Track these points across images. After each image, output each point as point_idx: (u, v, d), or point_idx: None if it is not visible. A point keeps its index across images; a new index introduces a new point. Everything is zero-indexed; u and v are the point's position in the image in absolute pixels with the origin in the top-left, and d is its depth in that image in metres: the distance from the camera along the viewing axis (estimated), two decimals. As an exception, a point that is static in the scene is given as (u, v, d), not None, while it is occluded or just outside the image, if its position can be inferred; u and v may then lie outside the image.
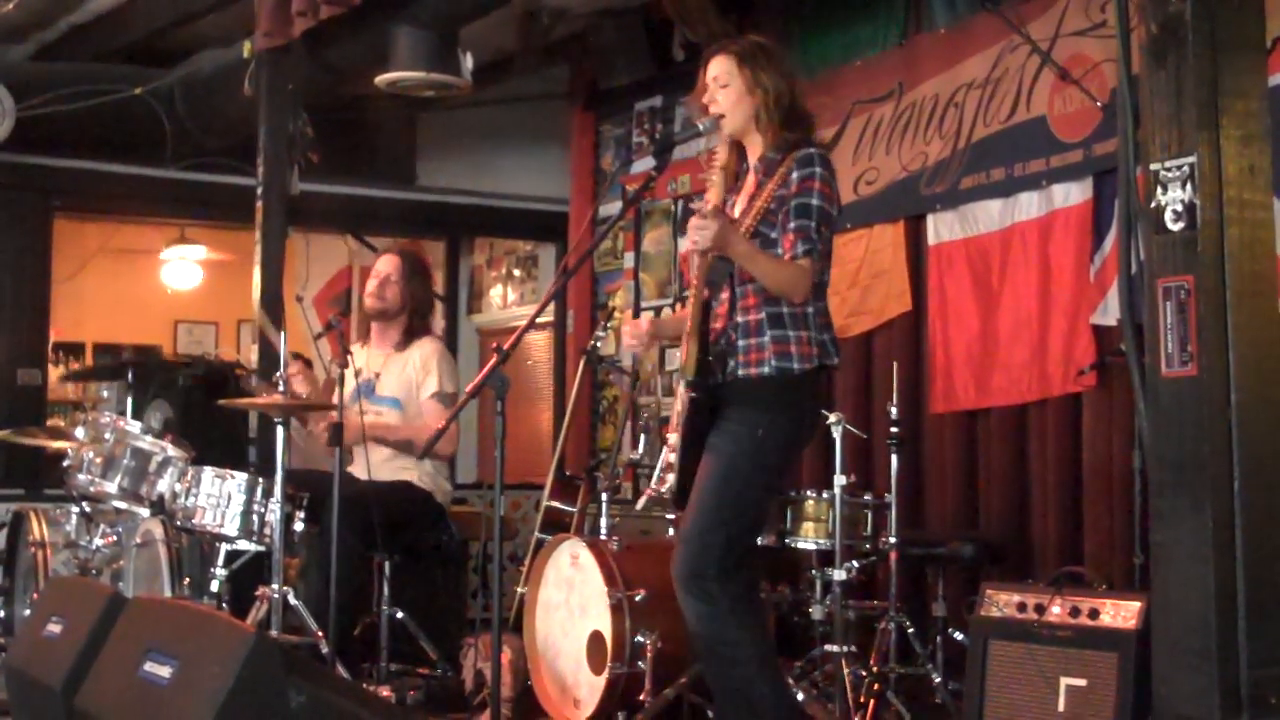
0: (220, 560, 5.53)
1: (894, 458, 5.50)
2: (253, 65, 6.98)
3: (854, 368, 6.66)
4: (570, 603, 5.38)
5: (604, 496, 5.61)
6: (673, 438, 4.31)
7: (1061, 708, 4.39)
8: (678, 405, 4.31)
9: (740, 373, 4.24)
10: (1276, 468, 3.54)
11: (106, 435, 5.84)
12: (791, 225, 4.15)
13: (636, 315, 8.14)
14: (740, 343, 4.25)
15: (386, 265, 6.20)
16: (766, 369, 4.20)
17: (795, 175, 4.17)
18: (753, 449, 4.18)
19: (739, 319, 4.26)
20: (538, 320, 4.57)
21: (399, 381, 6.12)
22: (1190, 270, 3.50)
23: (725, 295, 4.30)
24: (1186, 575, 3.48)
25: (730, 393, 4.24)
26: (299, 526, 5.50)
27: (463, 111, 8.93)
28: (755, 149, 4.35)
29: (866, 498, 5.49)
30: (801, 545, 5.46)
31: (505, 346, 4.17)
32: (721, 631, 4.14)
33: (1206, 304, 3.47)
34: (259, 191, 6.84)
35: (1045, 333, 5.87)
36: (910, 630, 5.44)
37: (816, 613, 5.41)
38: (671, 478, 4.30)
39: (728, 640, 4.14)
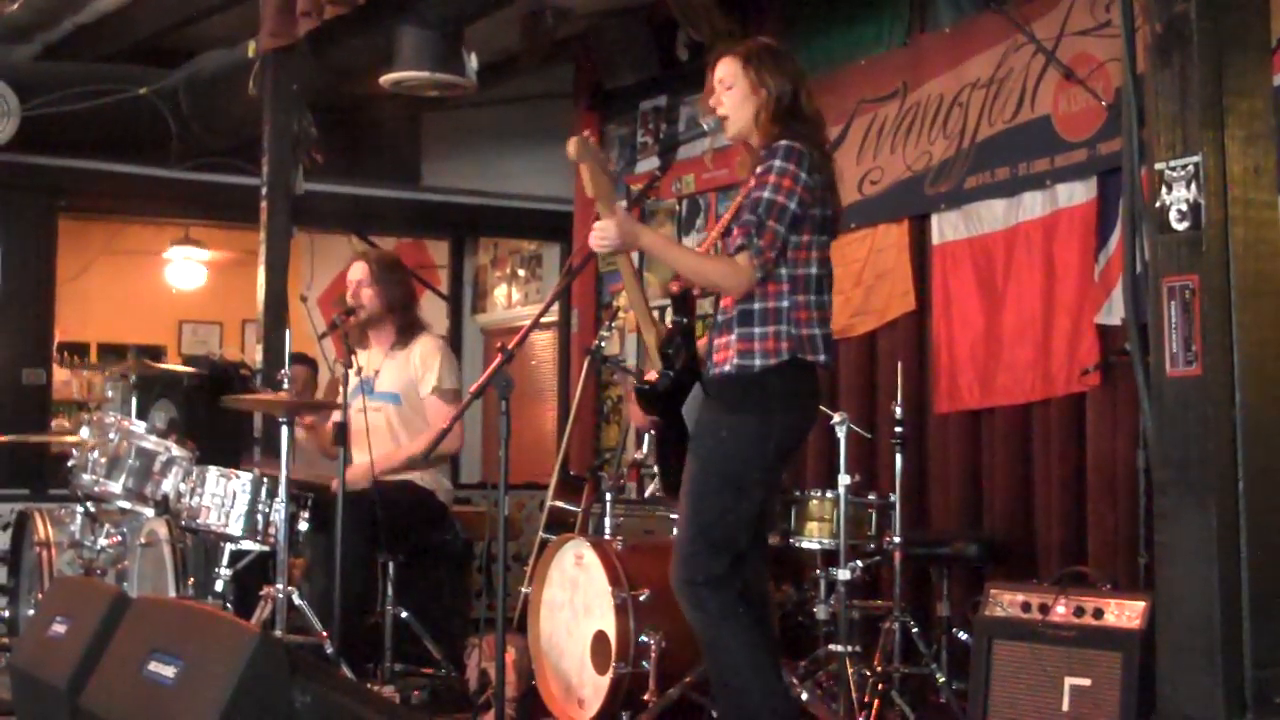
0: (225, 560, 5.53)
1: (898, 457, 5.50)
2: (257, 65, 6.98)
3: (858, 367, 6.66)
4: (574, 603, 5.38)
5: (608, 496, 5.61)
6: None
7: (1066, 707, 4.39)
8: None
9: (711, 372, 4.22)
10: (1281, 467, 3.54)
11: (111, 435, 5.84)
12: (741, 219, 4.10)
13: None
14: (715, 341, 4.23)
15: (355, 272, 6.24)
16: (728, 367, 4.16)
17: (758, 168, 4.13)
18: (719, 452, 4.15)
19: (718, 318, 4.24)
20: (542, 320, 4.57)
21: (398, 378, 6.14)
22: (1195, 270, 3.49)
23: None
24: (1190, 575, 3.47)
25: (705, 394, 4.24)
26: (303, 526, 5.51)
27: (467, 111, 8.93)
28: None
29: (871, 497, 5.50)
30: (806, 545, 5.46)
31: (510, 346, 4.17)
32: (715, 637, 4.15)
33: (1211, 303, 3.47)
34: (263, 191, 6.85)
35: (1049, 332, 5.86)
36: (914, 630, 5.44)
37: (821, 612, 5.42)
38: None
39: (720, 646, 4.14)
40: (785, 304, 4.14)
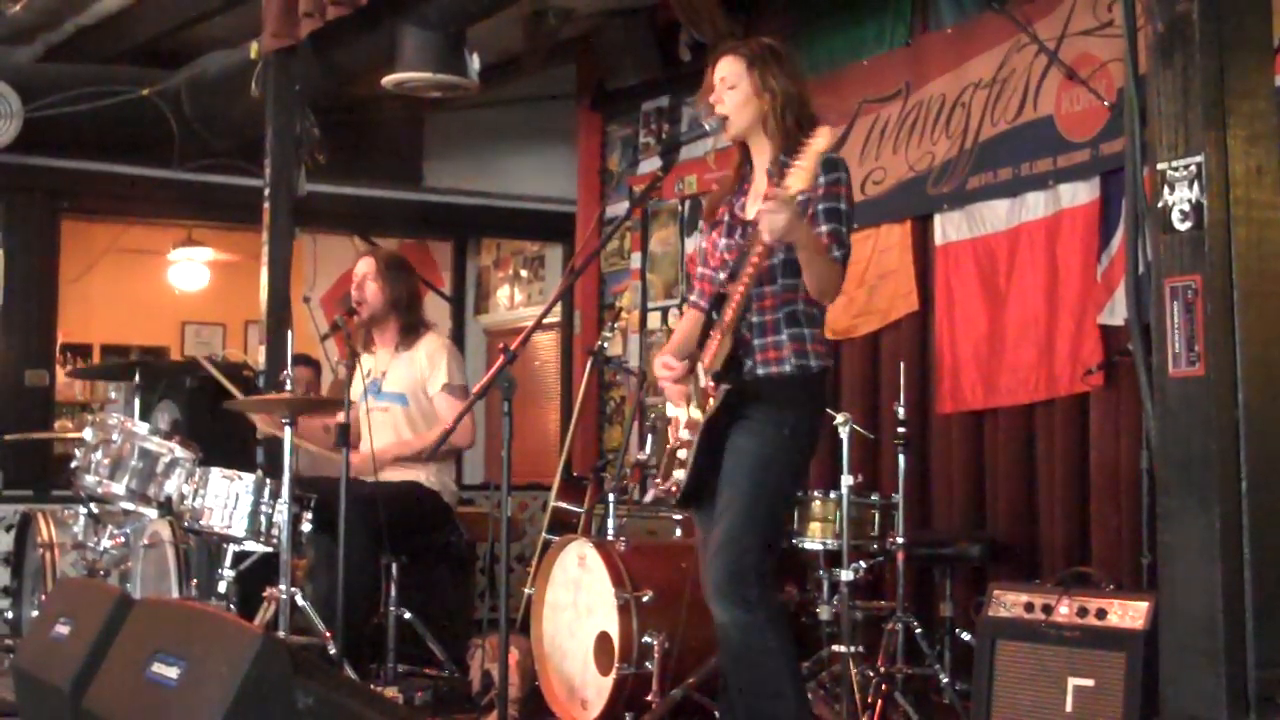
0: (228, 561, 5.54)
1: (901, 458, 5.50)
2: (260, 66, 6.98)
3: (861, 368, 6.65)
4: (577, 603, 5.38)
5: (611, 497, 5.61)
6: (685, 434, 4.25)
7: (1069, 708, 4.38)
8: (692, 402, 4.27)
9: (760, 371, 4.19)
10: (1284, 467, 3.54)
11: (114, 436, 5.85)
12: (825, 228, 4.11)
13: (644, 316, 8.13)
14: (756, 341, 4.21)
15: (362, 267, 6.29)
16: (788, 367, 4.17)
17: (822, 179, 4.13)
18: (783, 448, 4.14)
19: (754, 318, 4.22)
20: (545, 321, 4.57)
21: (405, 378, 6.16)
22: (1197, 270, 3.49)
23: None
24: (1194, 575, 3.47)
25: (750, 392, 4.20)
26: (306, 527, 5.51)
27: (470, 112, 8.94)
28: (763, 151, 4.32)
29: (874, 498, 5.49)
30: (809, 545, 5.46)
31: (513, 347, 4.17)
32: (759, 640, 4.07)
33: (1213, 304, 3.47)
34: (266, 192, 6.84)
35: (1052, 333, 5.86)
36: (918, 630, 5.44)
37: (824, 613, 5.42)
38: (681, 474, 4.25)
39: (763, 649, 4.07)
40: (816, 310, 4.25)
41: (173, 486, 5.76)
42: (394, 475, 6.00)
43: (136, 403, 6.69)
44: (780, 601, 4.18)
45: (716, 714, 4.84)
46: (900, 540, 5.42)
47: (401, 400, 6.15)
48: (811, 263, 4.07)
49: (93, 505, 6.21)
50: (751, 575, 4.06)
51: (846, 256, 4.18)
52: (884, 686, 5.27)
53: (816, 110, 4.37)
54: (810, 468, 6.40)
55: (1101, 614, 4.38)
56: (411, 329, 6.25)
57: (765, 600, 4.07)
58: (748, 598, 4.05)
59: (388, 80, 6.68)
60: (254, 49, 7.05)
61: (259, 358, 6.80)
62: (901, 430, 5.52)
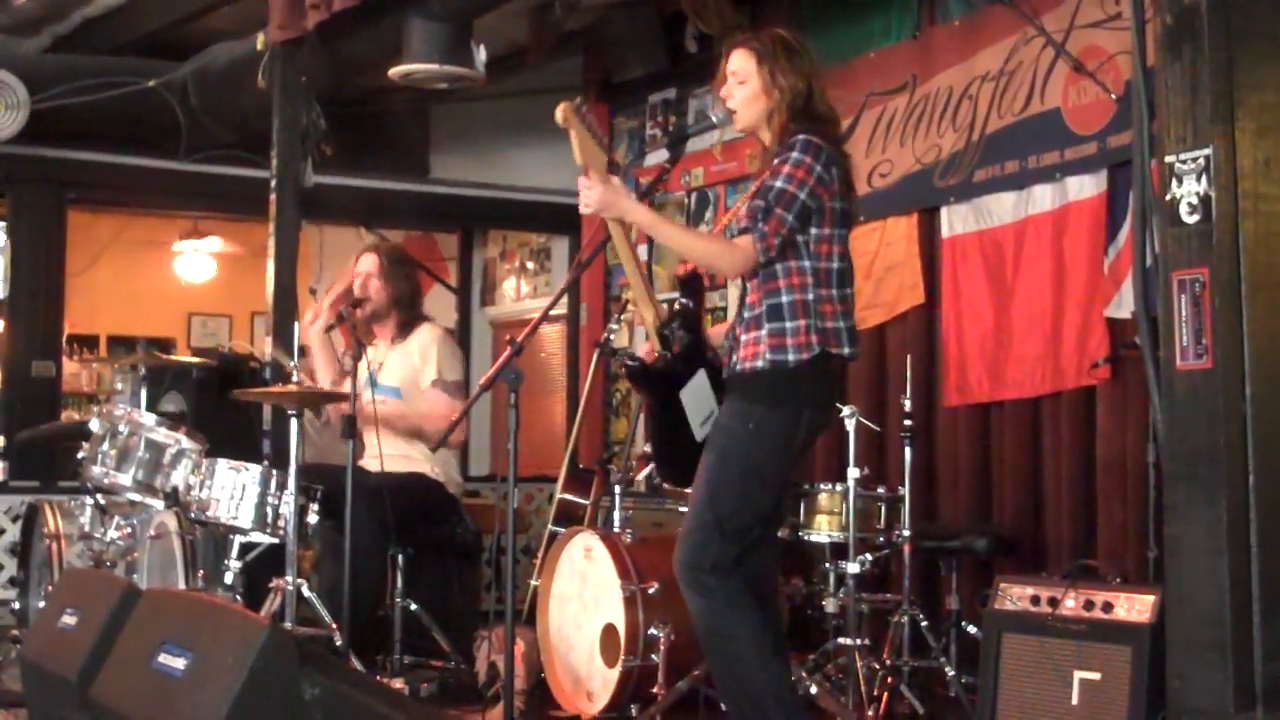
0: (234, 552, 5.54)
1: (907, 450, 5.50)
2: (266, 58, 6.99)
3: (867, 360, 6.64)
4: (583, 595, 5.38)
5: (617, 489, 5.61)
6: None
7: (1075, 701, 4.39)
8: None
9: (738, 367, 4.21)
10: (1291, 460, 3.54)
11: (121, 427, 5.85)
12: (751, 204, 4.12)
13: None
14: (742, 336, 4.22)
15: (365, 264, 6.27)
16: (760, 363, 4.15)
17: (776, 160, 4.15)
18: (744, 443, 4.14)
19: (744, 313, 4.23)
20: (551, 313, 4.57)
21: (400, 370, 6.16)
22: (1205, 263, 3.49)
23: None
24: (1200, 568, 3.47)
25: (730, 386, 4.24)
26: (313, 519, 5.51)
27: (476, 104, 8.93)
28: (770, 145, 4.34)
29: (880, 491, 5.50)
30: (815, 538, 5.46)
31: (519, 339, 4.18)
32: (720, 625, 4.13)
33: (1221, 297, 3.47)
34: (272, 184, 6.85)
35: (1059, 325, 5.86)
36: (924, 623, 5.44)
37: (830, 606, 5.42)
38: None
39: (726, 634, 4.13)
40: (811, 296, 4.15)
41: (179, 477, 5.76)
42: (400, 467, 6.00)
43: (143, 394, 6.69)
44: (742, 586, 4.13)
45: (723, 707, 4.85)
46: (906, 533, 5.42)
47: (396, 393, 6.15)
48: (660, 238, 4.18)
49: (99, 496, 6.20)
50: (707, 563, 4.12)
51: (756, 231, 4.05)
52: (890, 679, 5.27)
53: (831, 101, 4.36)
54: (814, 460, 6.45)
55: (1108, 607, 4.38)
56: (410, 323, 6.26)
57: (723, 586, 4.12)
58: (704, 584, 4.13)
59: (394, 72, 6.69)
60: (260, 40, 7.05)
61: (265, 349, 6.80)
62: (908, 423, 5.52)
